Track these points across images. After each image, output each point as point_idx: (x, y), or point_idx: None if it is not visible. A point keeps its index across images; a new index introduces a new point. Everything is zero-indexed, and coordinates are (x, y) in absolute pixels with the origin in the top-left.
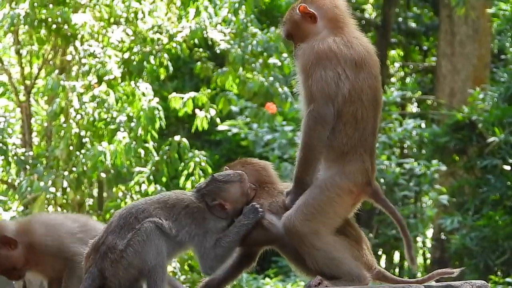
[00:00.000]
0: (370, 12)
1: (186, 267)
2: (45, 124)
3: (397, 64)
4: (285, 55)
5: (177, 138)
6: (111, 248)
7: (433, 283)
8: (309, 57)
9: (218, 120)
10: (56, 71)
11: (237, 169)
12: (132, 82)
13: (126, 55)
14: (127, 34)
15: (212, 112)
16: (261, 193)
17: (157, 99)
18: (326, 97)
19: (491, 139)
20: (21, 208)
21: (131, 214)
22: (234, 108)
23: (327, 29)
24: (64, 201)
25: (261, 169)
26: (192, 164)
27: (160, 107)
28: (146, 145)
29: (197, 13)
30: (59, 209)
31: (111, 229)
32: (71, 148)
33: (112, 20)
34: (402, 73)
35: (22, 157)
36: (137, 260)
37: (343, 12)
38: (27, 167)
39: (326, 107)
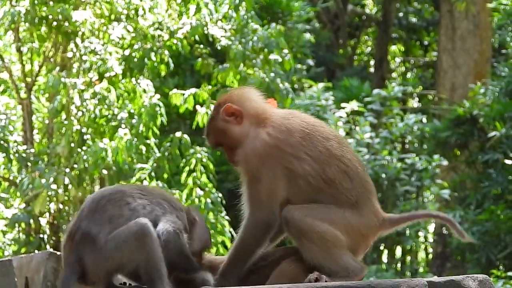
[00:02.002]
0: (371, 7)
1: None
2: (46, 121)
3: (398, 59)
4: (285, 51)
5: (178, 134)
6: (85, 234)
7: (435, 278)
8: (251, 162)
9: None
10: (57, 68)
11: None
12: (133, 79)
13: (127, 52)
14: (128, 31)
15: None
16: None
17: (158, 96)
18: (274, 202)
19: (492, 133)
20: (23, 205)
21: (103, 198)
22: None
23: (254, 126)
24: (66, 198)
25: None
26: (193, 160)
27: (161, 104)
28: (148, 141)
29: (198, 9)
30: (61, 206)
31: (84, 214)
32: (72, 145)
33: (112, 17)
34: (403, 68)
35: (24, 155)
36: (122, 259)
37: (260, 103)
38: (29, 164)
39: (273, 214)
